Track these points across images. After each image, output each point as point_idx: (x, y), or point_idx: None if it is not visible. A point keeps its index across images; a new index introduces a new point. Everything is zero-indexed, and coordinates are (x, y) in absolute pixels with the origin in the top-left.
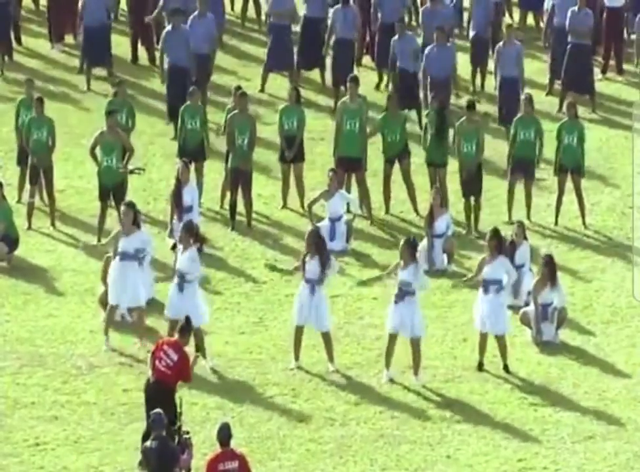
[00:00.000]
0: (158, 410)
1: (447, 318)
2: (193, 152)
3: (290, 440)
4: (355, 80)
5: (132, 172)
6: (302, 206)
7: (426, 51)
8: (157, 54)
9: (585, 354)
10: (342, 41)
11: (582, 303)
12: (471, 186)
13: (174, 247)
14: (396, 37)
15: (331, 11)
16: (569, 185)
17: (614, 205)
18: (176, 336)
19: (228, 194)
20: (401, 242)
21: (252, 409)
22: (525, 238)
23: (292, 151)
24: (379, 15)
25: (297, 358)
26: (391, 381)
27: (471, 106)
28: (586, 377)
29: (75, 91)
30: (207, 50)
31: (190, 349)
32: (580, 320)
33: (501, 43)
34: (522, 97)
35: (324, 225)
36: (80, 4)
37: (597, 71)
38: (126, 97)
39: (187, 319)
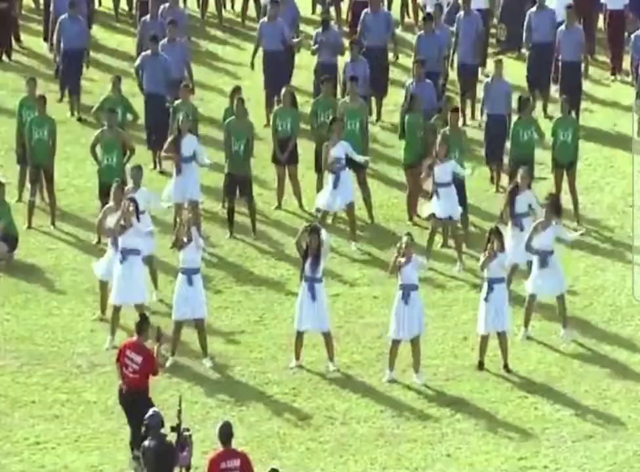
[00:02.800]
0: (154, 410)
1: (447, 317)
2: None
3: (291, 438)
4: (356, 80)
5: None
6: (300, 206)
7: (406, 84)
8: None
9: (586, 353)
10: (325, 64)
11: (582, 302)
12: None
13: (173, 246)
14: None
15: (313, 35)
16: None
17: (615, 204)
18: (135, 336)
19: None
20: (404, 238)
21: (253, 408)
22: (529, 187)
23: (286, 153)
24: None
25: (297, 357)
26: (393, 381)
27: (455, 110)
28: (586, 376)
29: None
30: (180, 75)
31: (194, 345)
32: (581, 319)
33: (489, 79)
34: (522, 98)
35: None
36: (57, 29)
37: (604, 73)
38: (121, 92)
39: (142, 316)
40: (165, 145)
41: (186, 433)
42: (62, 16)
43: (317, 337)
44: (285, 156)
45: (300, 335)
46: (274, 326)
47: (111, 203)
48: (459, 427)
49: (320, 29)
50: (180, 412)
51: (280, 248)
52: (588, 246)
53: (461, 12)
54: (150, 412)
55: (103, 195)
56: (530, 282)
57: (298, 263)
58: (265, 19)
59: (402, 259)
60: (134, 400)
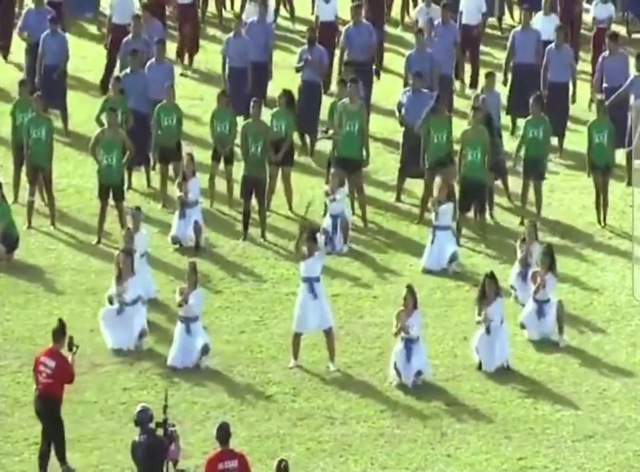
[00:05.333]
0: (143, 405)
1: (447, 317)
2: (168, 152)
3: (291, 438)
4: (356, 81)
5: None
6: (290, 208)
7: (405, 98)
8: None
9: (586, 353)
10: (308, 83)
11: (582, 302)
12: (474, 198)
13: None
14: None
15: (298, 51)
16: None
17: (615, 204)
18: (52, 343)
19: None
20: (405, 291)
21: (253, 408)
22: (536, 238)
23: (280, 154)
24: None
25: (296, 357)
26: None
27: (477, 109)
28: (586, 376)
29: (76, 90)
30: (164, 97)
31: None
32: (580, 319)
33: (483, 94)
34: (532, 97)
35: (325, 222)
36: (40, 44)
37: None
38: (121, 93)
39: (60, 321)
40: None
41: (172, 429)
42: (44, 33)
43: (316, 337)
44: (279, 157)
45: (297, 336)
46: (274, 326)
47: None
48: (459, 427)
49: (305, 47)
50: (165, 407)
51: (280, 247)
52: (589, 246)
53: (439, 20)
54: (139, 407)
55: (102, 195)
56: (523, 317)
57: (298, 262)
58: (232, 35)
59: (407, 321)
60: (44, 406)
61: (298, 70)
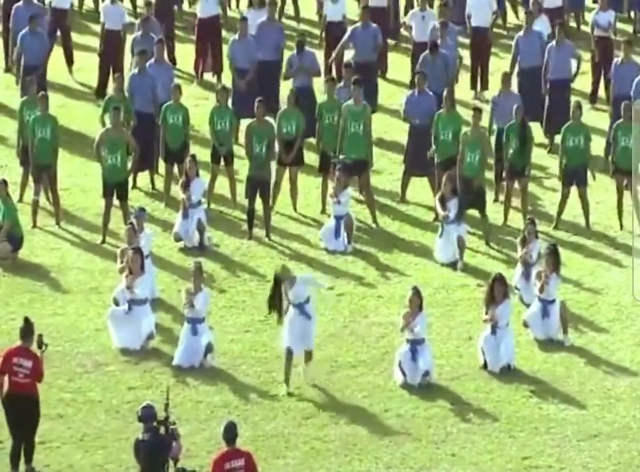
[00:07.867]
0: (147, 403)
1: (452, 316)
2: (176, 152)
3: (295, 438)
4: (359, 83)
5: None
6: (295, 209)
7: (410, 98)
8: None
9: (591, 353)
10: (301, 88)
11: (587, 302)
12: (472, 198)
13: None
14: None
15: (286, 58)
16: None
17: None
18: (20, 342)
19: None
20: (410, 293)
21: (257, 407)
22: (536, 236)
23: (291, 154)
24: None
25: (288, 382)
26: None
27: (477, 110)
28: (591, 376)
29: (80, 89)
30: (165, 98)
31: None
32: (585, 319)
33: (496, 93)
34: (573, 103)
35: (329, 223)
36: (18, 42)
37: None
38: (123, 91)
39: (26, 319)
40: (179, 188)
41: (172, 427)
42: (22, 31)
43: (320, 338)
44: (290, 157)
45: (290, 354)
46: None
47: (125, 245)
48: (463, 427)
49: (294, 53)
50: (167, 405)
51: (285, 247)
52: (593, 246)
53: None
54: (143, 403)
55: (107, 193)
56: (527, 318)
57: (303, 262)
58: (236, 37)
59: (412, 322)
60: (25, 406)
61: (286, 77)
